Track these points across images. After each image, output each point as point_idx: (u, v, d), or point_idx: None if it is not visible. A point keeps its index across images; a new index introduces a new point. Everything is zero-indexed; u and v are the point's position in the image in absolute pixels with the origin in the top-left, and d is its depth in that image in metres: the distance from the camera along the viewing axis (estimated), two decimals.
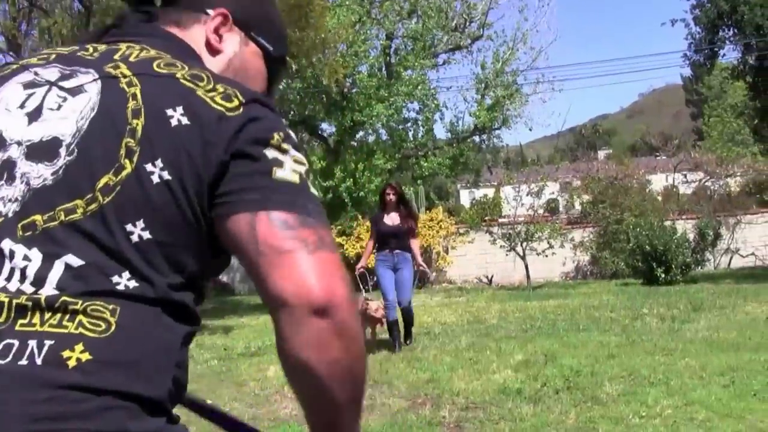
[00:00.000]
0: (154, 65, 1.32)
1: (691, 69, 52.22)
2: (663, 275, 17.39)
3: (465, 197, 52.58)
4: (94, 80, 1.30)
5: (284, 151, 1.28)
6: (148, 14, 1.51)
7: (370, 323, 9.72)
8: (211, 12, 1.51)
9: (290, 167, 1.27)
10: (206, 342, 11.13)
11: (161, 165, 1.21)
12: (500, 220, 21.98)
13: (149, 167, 1.21)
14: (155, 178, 1.21)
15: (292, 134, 1.33)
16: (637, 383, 7.14)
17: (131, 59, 1.34)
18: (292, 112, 26.54)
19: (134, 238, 1.20)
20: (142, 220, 1.21)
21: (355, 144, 27.50)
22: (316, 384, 1.23)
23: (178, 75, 1.30)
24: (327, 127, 28.23)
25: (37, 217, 1.19)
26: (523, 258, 18.92)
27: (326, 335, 1.19)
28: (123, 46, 1.39)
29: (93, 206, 1.20)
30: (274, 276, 1.20)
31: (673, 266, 17.50)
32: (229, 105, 1.27)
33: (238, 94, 1.30)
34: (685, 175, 27.49)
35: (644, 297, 14.72)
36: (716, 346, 8.78)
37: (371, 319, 9.64)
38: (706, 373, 7.36)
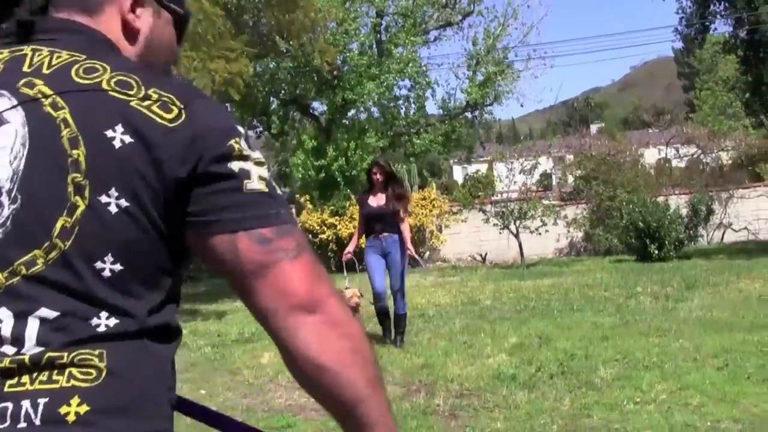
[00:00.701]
0: (73, 75, 1.22)
1: (682, 41, 52.06)
2: (656, 252, 17.40)
3: (458, 173, 52.52)
4: (14, 107, 1.20)
5: (246, 158, 1.24)
6: None
7: None
8: None
9: (256, 174, 1.25)
10: (200, 328, 11.12)
11: (116, 194, 1.16)
12: (493, 199, 21.91)
13: (104, 199, 1.16)
14: (113, 209, 1.16)
15: (241, 128, 1.27)
16: (631, 366, 7.15)
17: (44, 71, 1.23)
18: (283, 91, 26.42)
19: (106, 273, 1.16)
20: (109, 254, 1.17)
21: (347, 122, 27.38)
22: (331, 377, 1.23)
23: (104, 85, 1.20)
24: (318, 106, 28.12)
25: None
26: (516, 236, 18.89)
27: (323, 328, 1.22)
28: (27, 50, 1.27)
29: (53, 254, 1.14)
30: (262, 288, 1.21)
31: (667, 242, 17.50)
32: (169, 116, 1.20)
33: (175, 99, 1.22)
34: (678, 150, 27.44)
35: (638, 274, 14.74)
36: (710, 326, 8.80)
37: None
38: (700, 354, 7.37)
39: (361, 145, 25.29)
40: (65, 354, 1.12)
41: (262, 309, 1.22)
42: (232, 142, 1.23)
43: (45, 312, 1.13)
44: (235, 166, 1.22)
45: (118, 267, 1.17)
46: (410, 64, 26.48)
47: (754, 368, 6.67)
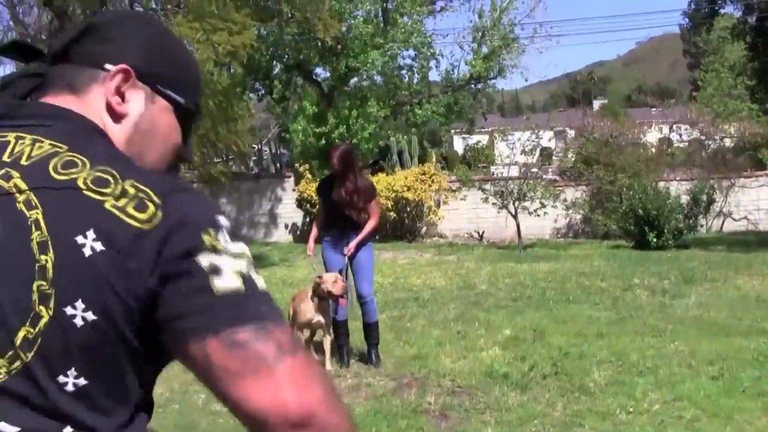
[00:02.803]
0: (51, 169, 1.14)
1: (690, 22, 51.74)
2: (655, 240, 17.24)
3: (458, 143, 52.43)
4: None
5: (219, 251, 1.13)
6: (40, 76, 1.30)
7: (331, 300, 7.41)
8: (110, 68, 1.30)
9: (230, 269, 1.14)
10: None
11: (83, 306, 1.08)
12: (493, 178, 21.77)
13: (69, 311, 1.08)
14: (78, 321, 1.08)
15: (222, 219, 1.18)
16: (625, 370, 7.08)
17: (23, 162, 1.15)
18: (286, 56, 26.23)
19: (69, 388, 1.08)
20: (73, 368, 1.09)
21: (349, 90, 27.21)
22: None
23: (80, 183, 1.12)
24: (321, 72, 27.97)
25: None
26: (515, 217, 18.74)
27: None
28: (11, 137, 1.19)
29: (17, 364, 1.07)
30: (242, 398, 1.11)
31: (666, 231, 17.35)
32: (143, 216, 1.11)
33: (152, 194, 1.13)
34: (680, 135, 27.21)
35: (635, 264, 14.63)
36: (706, 328, 8.71)
37: (330, 296, 7.30)
38: (695, 360, 7.29)
39: (363, 114, 25.18)
40: None
41: (247, 420, 1.12)
42: (203, 234, 1.13)
43: (5, 426, 1.06)
44: (204, 260, 1.12)
45: (82, 381, 1.09)
46: (415, 34, 26.32)
47: (750, 380, 6.58)
